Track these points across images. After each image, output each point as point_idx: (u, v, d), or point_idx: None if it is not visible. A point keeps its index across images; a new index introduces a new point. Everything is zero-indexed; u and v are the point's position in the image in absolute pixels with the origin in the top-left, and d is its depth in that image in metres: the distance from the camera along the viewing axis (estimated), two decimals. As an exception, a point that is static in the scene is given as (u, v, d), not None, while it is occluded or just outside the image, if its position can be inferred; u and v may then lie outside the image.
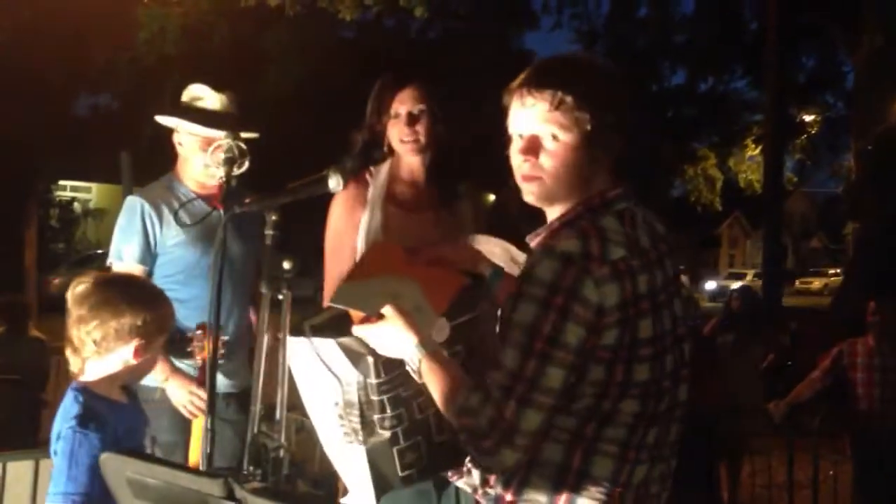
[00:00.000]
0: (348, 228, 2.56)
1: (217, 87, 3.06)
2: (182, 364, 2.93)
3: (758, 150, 21.21)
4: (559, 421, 1.61)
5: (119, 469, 1.12)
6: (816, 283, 35.80)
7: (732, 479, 5.84)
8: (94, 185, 26.46)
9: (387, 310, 1.85)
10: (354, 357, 1.98)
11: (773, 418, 5.17)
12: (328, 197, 2.46)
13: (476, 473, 1.75)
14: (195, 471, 1.07)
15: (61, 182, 24.71)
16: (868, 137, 11.77)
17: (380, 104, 2.58)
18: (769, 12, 13.25)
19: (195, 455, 2.59)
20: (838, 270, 30.39)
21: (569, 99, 1.64)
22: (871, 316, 4.83)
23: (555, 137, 1.66)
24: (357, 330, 1.91)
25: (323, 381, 2.04)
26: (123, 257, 3.04)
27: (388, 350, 1.86)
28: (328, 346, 1.99)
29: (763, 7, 14.92)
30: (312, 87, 17.75)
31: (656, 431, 1.67)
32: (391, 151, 2.61)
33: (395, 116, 2.55)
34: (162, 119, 3.10)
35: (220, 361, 2.64)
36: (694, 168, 25.01)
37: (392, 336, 1.83)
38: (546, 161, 1.67)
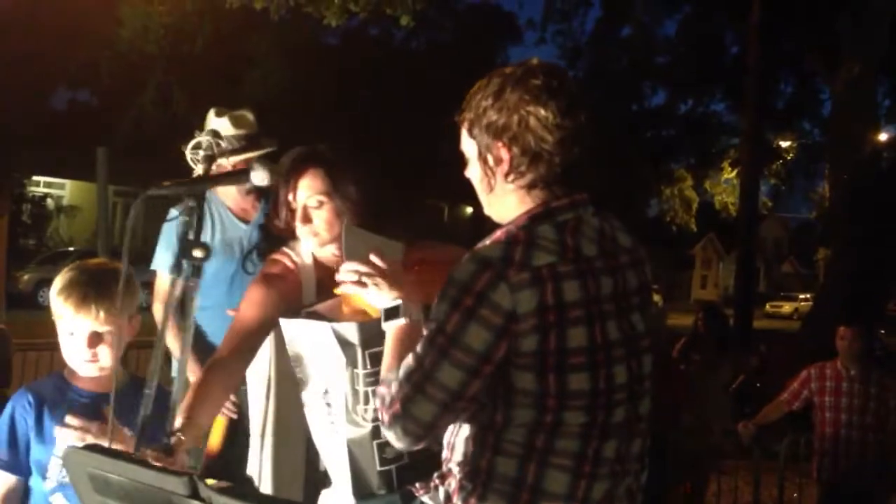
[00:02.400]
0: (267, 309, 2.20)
1: (219, 111, 3.09)
2: None
3: (734, 174, 21.45)
4: (507, 433, 1.61)
5: (80, 463, 1.10)
6: (787, 307, 36.11)
7: (697, 498, 5.86)
8: (67, 182, 26.16)
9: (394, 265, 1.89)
10: (344, 344, 1.99)
11: (742, 439, 5.19)
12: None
13: (441, 490, 1.74)
14: (159, 468, 1.05)
15: (35, 177, 24.44)
16: (844, 165, 11.93)
17: (276, 197, 2.22)
18: (750, 39, 13.42)
19: (214, 440, 2.67)
20: (809, 295, 30.70)
21: (465, 126, 1.72)
22: (840, 340, 4.88)
23: (469, 158, 1.75)
24: (346, 267, 1.90)
25: (313, 365, 2.04)
26: (158, 265, 3.18)
27: (375, 296, 1.87)
28: (322, 330, 2.00)
29: (744, 33, 15.12)
30: (294, 94, 17.71)
31: (615, 444, 1.65)
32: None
33: (293, 209, 2.20)
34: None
35: None
36: (671, 188, 25.27)
37: (384, 287, 1.85)
38: (469, 175, 1.76)
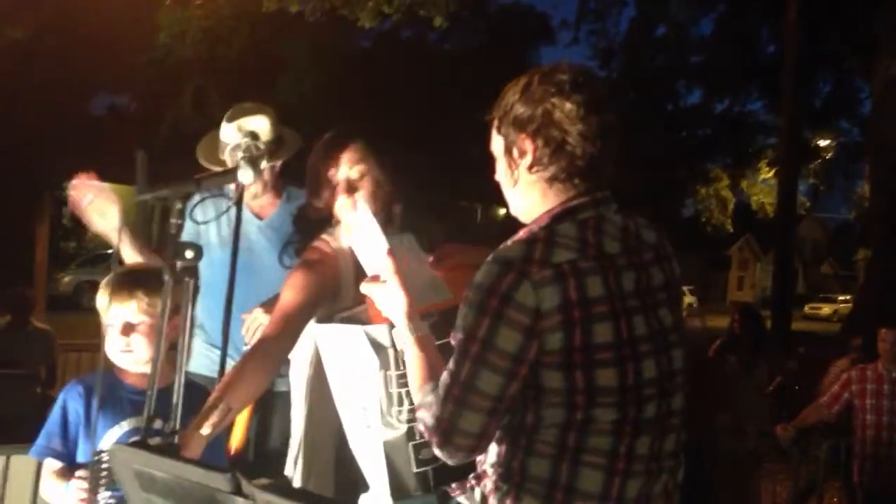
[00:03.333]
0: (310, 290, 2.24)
1: (230, 116, 3.00)
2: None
3: (771, 173, 21.20)
4: (539, 434, 1.61)
5: (126, 461, 1.12)
6: (826, 309, 35.58)
7: (738, 501, 5.80)
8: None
9: (389, 281, 1.88)
10: (377, 347, 2.00)
11: (781, 442, 5.13)
12: None
13: (477, 491, 1.75)
14: (203, 464, 1.07)
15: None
16: (883, 164, 11.73)
17: (316, 176, 2.29)
18: (786, 37, 13.26)
19: (236, 440, 2.71)
20: (848, 297, 30.21)
21: (493, 125, 1.74)
22: (882, 342, 4.81)
23: (497, 157, 1.76)
24: (364, 287, 1.93)
25: (347, 370, 2.07)
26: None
27: (387, 313, 1.90)
28: (355, 334, 2.02)
29: (780, 31, 14.94)
30: (326, 96, 17.82)
31: (648, 441, 1.64)
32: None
33: (334, 185, 2.26)
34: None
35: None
36: (706, 189, 24.99)
37: (389, 305, 1.87)
38: (497, 176, 1.78)
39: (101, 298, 2.11)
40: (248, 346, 2.85)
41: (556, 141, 1.65)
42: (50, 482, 2.11)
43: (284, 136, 3.03)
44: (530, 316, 1.55)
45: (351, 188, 2.25)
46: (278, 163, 3.10)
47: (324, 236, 2.34)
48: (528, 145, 1.68)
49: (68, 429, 2.11)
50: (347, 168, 2.25)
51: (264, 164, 2.92)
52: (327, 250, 2.31)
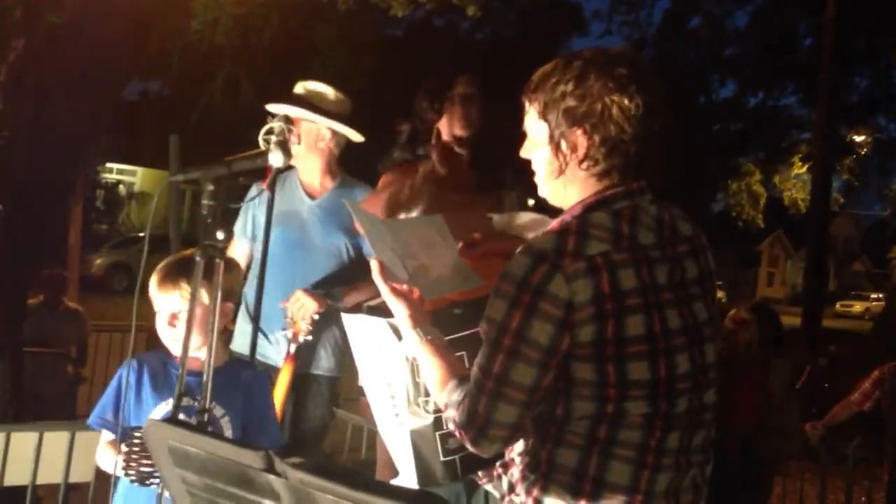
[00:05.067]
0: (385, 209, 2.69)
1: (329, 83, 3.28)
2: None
3: (804, 169, 20.94)
4: (569, 426, 1.60)
5: (161, 437, 1.14)
6: (858, 307, 35.27)
7: (762, 500, 5.74)
8: (139, 169, 26.91)
9: (393, 300, 1.84)
10: (401, 337, 2.00)
11: (810, 440, 5.08)
12: None
13: (504, 480, 1.75)
14: (237, 442, 1.08)
15: (108, 164, 25.15)
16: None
17: (436, 92, 2.78)
18: (824, 31, 13.07)
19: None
20: (881, 295, 29.83)
21: (535, 107, 1.68)
22: (915, 341, 4.75)
23: (535, 141, 1.71)
24: (379, 284, 1.90)
25: (375, 359, 2.09)
26: (235, 229, 3.34)
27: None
28: (380, 326, 2.03)
29: (817, 25, 14.73)
30: (358, 84, 17.87)
31: (679, 435, 1.63)
32: (438, 139, 2.77)
33: (451, 100, 2.76)
34: (283, 108, 3.14)
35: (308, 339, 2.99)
36: (738, 183, 24.72)
37: (395, 312, 1.85)
38: (533, 163, 1.74)
39: (151, 284, 2.17)
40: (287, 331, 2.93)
41: (613, 139, 1.62)
42: (103, 451, 2.20)
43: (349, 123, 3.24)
44: (563, 308, 1.54)
45: (468, 99, 2.76)
46: (339, 147, 3.26)
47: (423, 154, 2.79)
48: (581, 140, 1.63)
49: (120, 401, 2.16)
50: (466, 87, 2.79)
51: (295, 150, 2.97)
52: (411, 169, 2.75)
